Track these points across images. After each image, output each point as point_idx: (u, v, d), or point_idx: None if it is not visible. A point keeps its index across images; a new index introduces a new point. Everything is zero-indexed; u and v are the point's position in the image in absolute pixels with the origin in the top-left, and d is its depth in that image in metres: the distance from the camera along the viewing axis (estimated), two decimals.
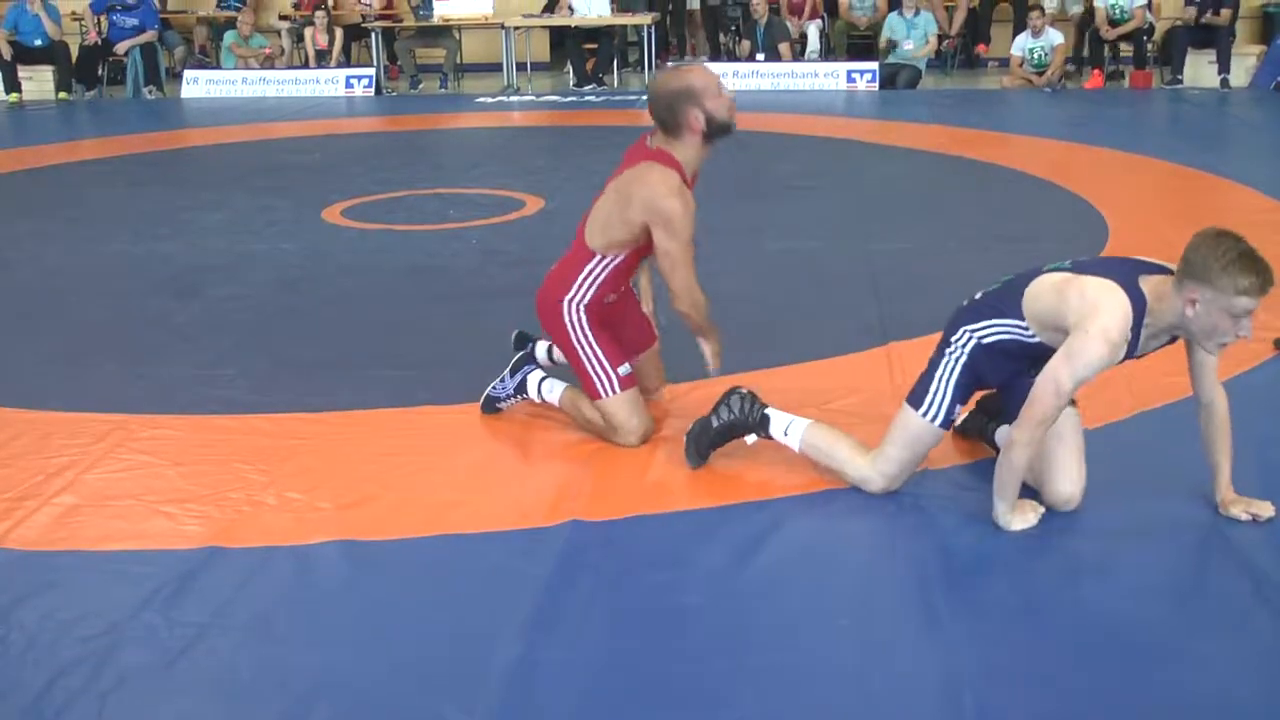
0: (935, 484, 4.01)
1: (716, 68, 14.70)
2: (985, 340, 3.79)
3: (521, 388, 4.59)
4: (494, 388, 4.62)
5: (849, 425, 4.38)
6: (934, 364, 3.87)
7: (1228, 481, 3.74)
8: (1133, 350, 3.57)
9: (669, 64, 14.99)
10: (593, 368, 4.35)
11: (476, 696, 2.93)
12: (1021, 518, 3.70)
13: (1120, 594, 3.38)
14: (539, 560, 3.58)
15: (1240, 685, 2.97)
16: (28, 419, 4.70)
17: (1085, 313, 3.48)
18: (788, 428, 4.10)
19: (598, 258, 4.30)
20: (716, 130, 4.18)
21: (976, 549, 3.65)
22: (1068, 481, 3.76)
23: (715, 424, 4.16)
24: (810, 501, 3.93)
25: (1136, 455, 4.20)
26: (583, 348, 4.36)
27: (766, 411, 4.15)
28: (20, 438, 4.52)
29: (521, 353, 4.72)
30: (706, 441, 4.16)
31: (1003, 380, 3.92)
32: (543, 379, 4.56)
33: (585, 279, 4.33)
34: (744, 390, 4.22)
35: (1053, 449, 3.78)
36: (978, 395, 4.06)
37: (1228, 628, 3.21)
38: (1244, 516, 3.67)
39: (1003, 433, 3.98)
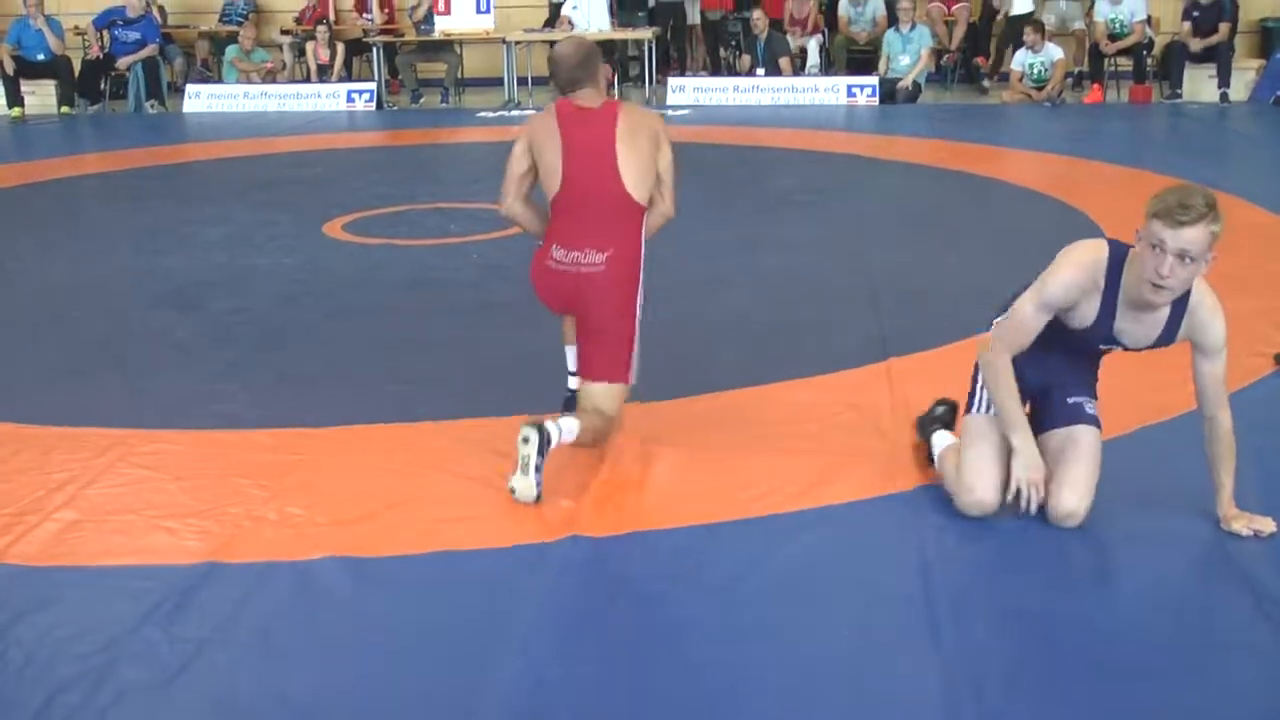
0: (936, 497, 4.00)
1: (717, 82, 14.82)
2: None
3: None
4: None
5: (849, 440, 4.39)
6: (975, 369, 3.99)
7: (1230, 496, 3.74)
8: (1110, 311, 3.64)
9: (669, 78, 15.03)
10: (633, 351, 4.35)
11: (477, 712, 2.92)
12: (1029, 467, 3.74)
13: (1121, 607, 3.38)
14: (539, 575, 3.58)
15: (1241, 700, 2.96)
16: (28, 434, 4.70)
17: (1067, 249, 3.74)
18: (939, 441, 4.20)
19: (645, 210, 4.33)
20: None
21: (978, 561, 3.66)
22: (1074, 496, 3.76)
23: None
24: (810, 516, 3.92)
25: (1138, 469, 4.18)
26: (637, 324, 4.35)
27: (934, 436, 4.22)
28: (21, 453, 4.52)
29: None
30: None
31: (1038, 383, 3.96)
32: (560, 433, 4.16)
33: (641, 239, 4.35)
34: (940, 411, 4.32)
35: (1069, 461, 3.80)
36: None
37: (1228, 642, 3.20)
38: (1246, 532, 3.66)
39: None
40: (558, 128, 4.30)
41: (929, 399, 4.40)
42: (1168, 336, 3.70)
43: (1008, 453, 3.83)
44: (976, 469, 3.85)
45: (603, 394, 4.33)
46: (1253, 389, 4.88)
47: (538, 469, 4.00)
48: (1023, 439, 3.79)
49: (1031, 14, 14.78)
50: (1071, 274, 3.65)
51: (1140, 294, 3.55)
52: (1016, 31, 14.54)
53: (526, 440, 4.00)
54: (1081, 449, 3.83)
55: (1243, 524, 3.68)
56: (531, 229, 4.49)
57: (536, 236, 4.47)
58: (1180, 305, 3.62)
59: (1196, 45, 13.70)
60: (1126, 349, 3.80)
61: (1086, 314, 3.70)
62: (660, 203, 4.37)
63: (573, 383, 4.50)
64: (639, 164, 4.28)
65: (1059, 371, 3.96)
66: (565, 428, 4.13)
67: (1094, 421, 3.91)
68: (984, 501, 3.82)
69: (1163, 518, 3.83)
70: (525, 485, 4.00)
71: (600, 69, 4.38)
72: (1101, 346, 3.85)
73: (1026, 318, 3.73)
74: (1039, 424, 3.95)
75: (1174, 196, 3.42)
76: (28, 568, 3.68)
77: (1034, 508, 3.77)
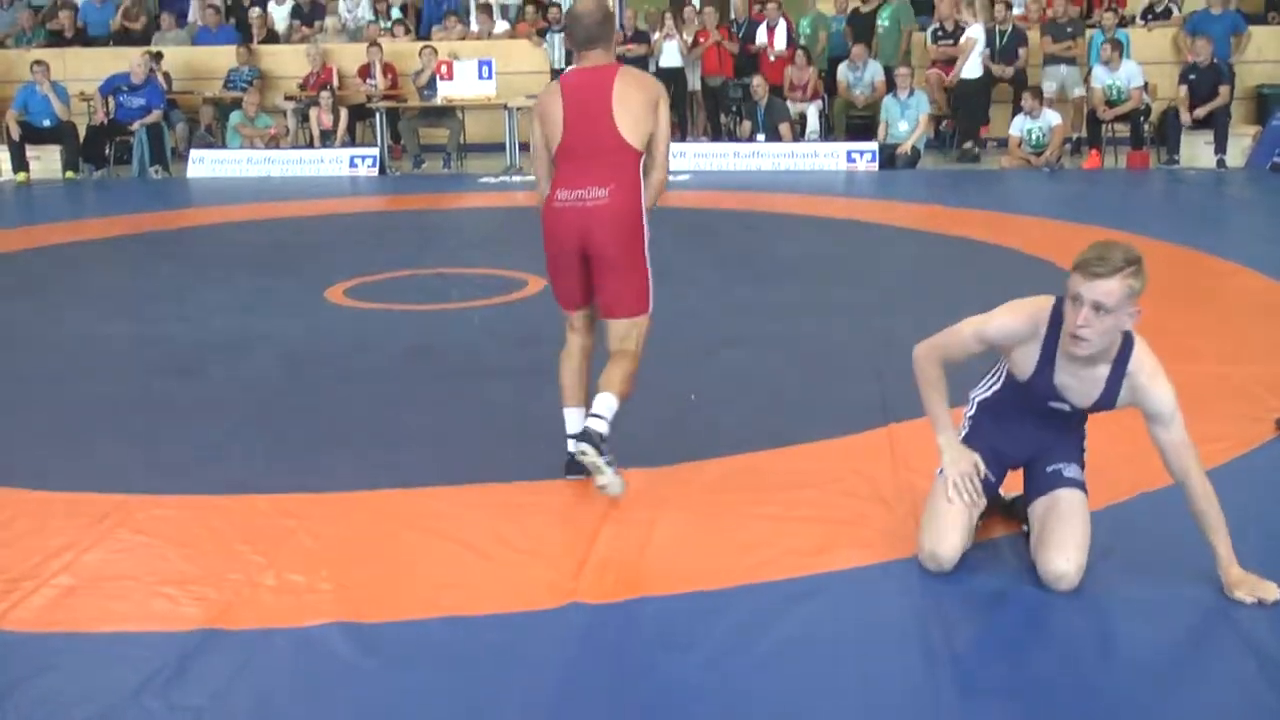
0: None
1: (717, 148, 14.89)
2: (982, 398, 4.09)
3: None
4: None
5: (851, 506, 4.38)
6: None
7: (1229, 560, 3.71)
8: (1049, 361, 3.76)
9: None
10: (649, 279, 4.66)
11: None
12: (956, 462, 3.91)
13: (1124, 674, 3.35)
14: (540, 643, 3.56)
15: None
16: (27, 499, 4.69)
17: (1020, 299, 3.90)
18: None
19: (642, 155, 4.61)
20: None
21: (980, 628, 3.64)
22: (1062, 559, 3.76)
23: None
24: (813, 582, 3.90)
25: (1138, 536, 4.16)
26: (648, 257, 4.64)
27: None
28: (19, 518, 4.50)
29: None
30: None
31: (1022, 456, 4.03)
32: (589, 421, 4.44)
33: (640, 180, 4.63)
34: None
35: (1052, 525, 3.81)
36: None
37: (1232, 709, 3.18)
38: (1249, 600, 3.64)
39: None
40: (560, 91, 4.63)
41: (931, 465, 4.38)
42: (1108, 399, 3.78)
43: (971, 513, 3.91)
44: (936, 528, 3.89)
45: (628, 328, 4.63)
46: (1255, 455, 4.87)
47: (609, 463, 4.32)
48: (946, 438, 3.98)
49: (981, 79, 14.99)
50: (1012, 318, 3.84)
51: (1064, 345, 3.67)
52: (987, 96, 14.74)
53: (584, 453, 4.30)
54: (1063, 510, 3.84)
55: (1245, 591, 3.66)
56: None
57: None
58: (1120, 368, 3.71)
59: (1189, 118, 13.76)
60: (1075, 407, 3.86)
61: (1029, 362, 3.82)
62: (654, 169, 4.69)
63: (572, 445, 4.52)
64: (631, 116, 4.56)
65: (1039, 442, 4.00)
66: (604, 409, 4.41)
67: (1076, 484, 3.93)
68: (941, 561, 3.85)
69: (1164, 583, 3.80)
70: (607, 481, 4.34)
71: (614, 32, 4.67)
72: (1051, 404, 3.89)
73: (964, 337, 3.91)
74: (1025, 497, 4.01)
75: (1094, 250, 3.56)
76: (24, 634, 3.66)
77: (976, 499, 3.88)
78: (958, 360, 3.96)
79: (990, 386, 4.10)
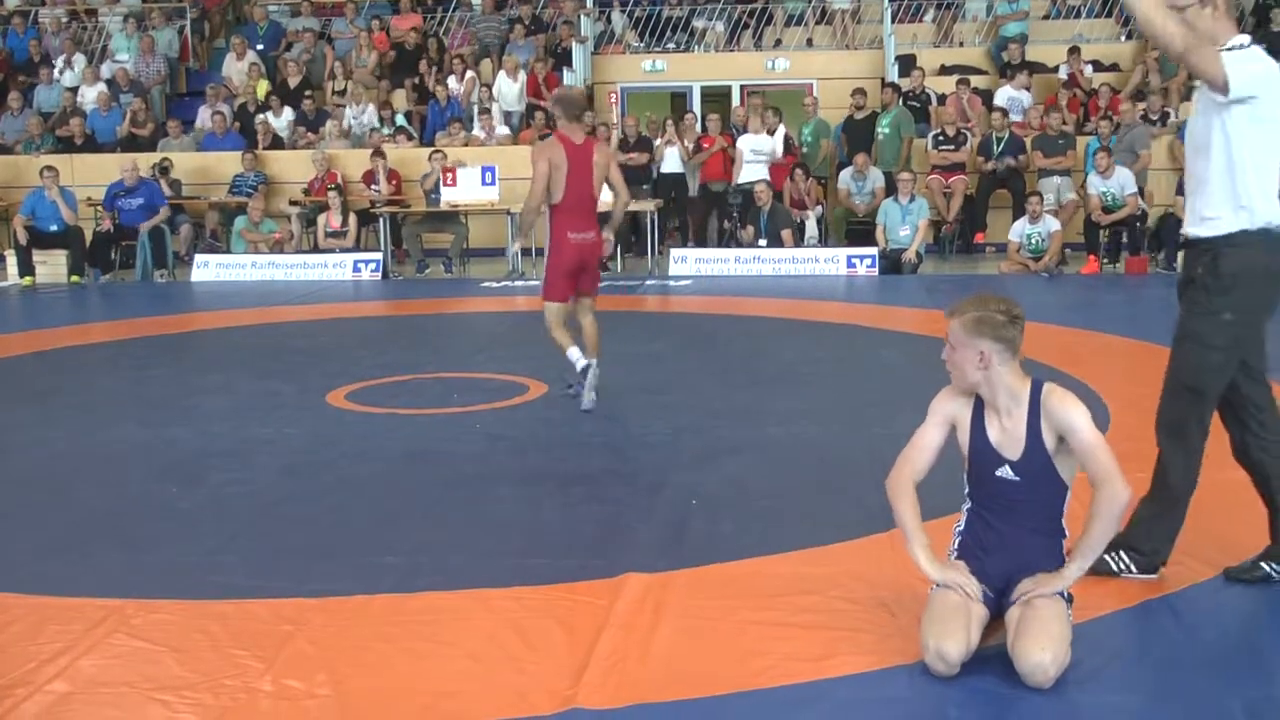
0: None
1: (719, 253, 14.98)
2: (958, 527, 4.25)
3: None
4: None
5: (854, 612, 4.35)
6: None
7: (1068, 574, 3.96)
8: (980, 413, 4.09)
9: (671, 249, 15.21)
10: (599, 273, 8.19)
11: None
12: (944, 570, 4.03)
13: None
14: None
15: None
16: (23, 604, 4.65)
17: None
18: None
19: None
20: None
21: None
22: (1036, 647, 3.77)
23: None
24: (814, 689, 3.86)
25: (1144, 641, 4.14)
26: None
27: None
28: (14, 623, 4.47)
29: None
30: None
31: (1001, 575, 4.06)
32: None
33: None
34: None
35: (1028, 620, 3.85)
36: None
37: None
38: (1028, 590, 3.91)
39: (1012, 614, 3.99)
40: (565, 158, 7.59)
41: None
42: (1034, 441, 3.98)
43: (972, 614, 3.94)
44: (942, 627, 3.88)
45: (592, 302, 8.03)
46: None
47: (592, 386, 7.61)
48: (925, 556, 4.08)
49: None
50: (946, 390, 4.19)
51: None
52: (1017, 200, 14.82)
53: (594, 371, 7.63)
54: (1039, 609, 3.88)
55: (1029, 584, 3.94)
56: (536, 227, 8.04)
57: (526, 230, 8.15)
58: (1034, 406, 3.99)
59: (1180, 204, 13.87)
60: (1016, 470, 4.01)
61: (966, 428, 4.12)
62: (620, 195, 7.98)
63: (584, 363, 7.71)
64: (600, 180, 7.81)
65: (1017, 556, 4.05)
66: (586, 351, 7.79)
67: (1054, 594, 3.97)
68: (948, 658, 3.83)
69: (1172, 683, 3.78)
70: (592, 400, 7.61)
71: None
72: (997, 472, 4.05)
73: (921, 432, 4.20)
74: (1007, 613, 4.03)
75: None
76: None
77: (976, 595, 3.97)
78: (928, 463, 4.19)
79: (962, 507, 4.24)
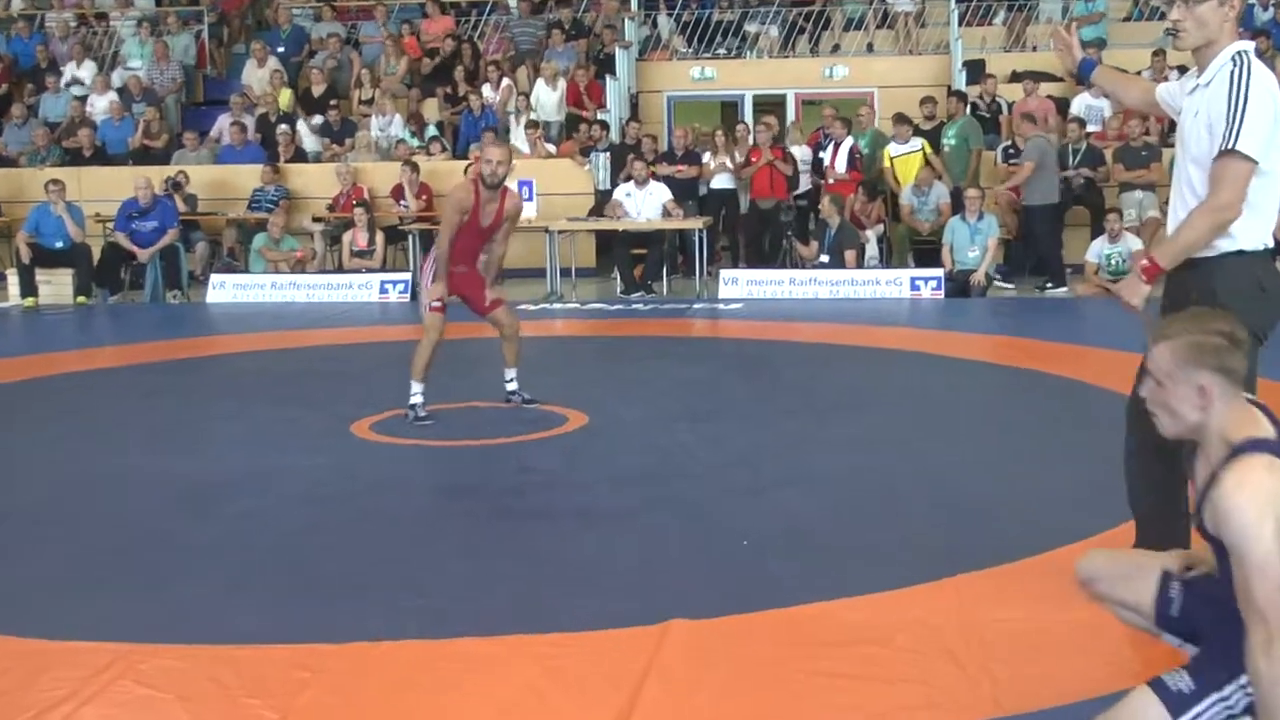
0: None
1: (771, 274, 14.87)
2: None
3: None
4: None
5: (916, 663, 4.31)
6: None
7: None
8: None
9: (720, 270, 15.18)
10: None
11: None
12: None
13: None
14: None
15: None
16: (24, 648, 4.68)
17: (1240, 483, 3.28)
18: None
19: None
20: None
21: None
22: None
23: None
24: None
25: None
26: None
27: None
28: (14, 669, 4.49)
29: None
30: None
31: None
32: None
33: None
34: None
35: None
36: None
37: None
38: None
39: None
40: (474, 203, 8.45)
41: (999, 618, 4.33)
42: (1197, 516, 3.39)
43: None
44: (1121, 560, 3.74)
45: (506, 311, 9.07)
46: None
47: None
48: None
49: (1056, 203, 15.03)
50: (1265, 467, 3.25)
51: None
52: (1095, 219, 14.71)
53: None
54: (1118, 709, 3.41)
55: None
56: (440, 260, 8.66)
57: (436, 260, 8.71)
58: (1211, 482, 3.32)
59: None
60: (1208, 532, 3.41)
61: None
62: (501, 246, 9.03)
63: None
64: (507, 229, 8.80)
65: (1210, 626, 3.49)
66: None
67: (1162, 690, 3.33)
68: (1086, 561, 3.75)
69: None
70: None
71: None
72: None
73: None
74: None
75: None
76: None
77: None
78: None
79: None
